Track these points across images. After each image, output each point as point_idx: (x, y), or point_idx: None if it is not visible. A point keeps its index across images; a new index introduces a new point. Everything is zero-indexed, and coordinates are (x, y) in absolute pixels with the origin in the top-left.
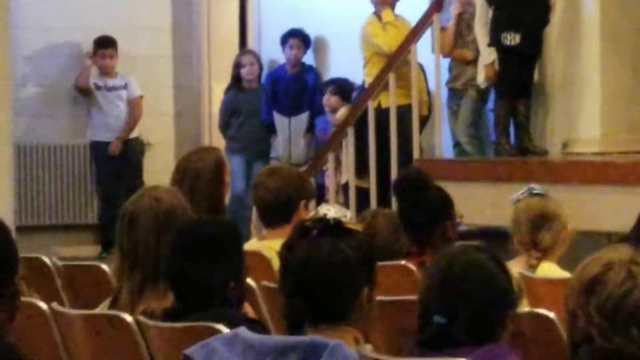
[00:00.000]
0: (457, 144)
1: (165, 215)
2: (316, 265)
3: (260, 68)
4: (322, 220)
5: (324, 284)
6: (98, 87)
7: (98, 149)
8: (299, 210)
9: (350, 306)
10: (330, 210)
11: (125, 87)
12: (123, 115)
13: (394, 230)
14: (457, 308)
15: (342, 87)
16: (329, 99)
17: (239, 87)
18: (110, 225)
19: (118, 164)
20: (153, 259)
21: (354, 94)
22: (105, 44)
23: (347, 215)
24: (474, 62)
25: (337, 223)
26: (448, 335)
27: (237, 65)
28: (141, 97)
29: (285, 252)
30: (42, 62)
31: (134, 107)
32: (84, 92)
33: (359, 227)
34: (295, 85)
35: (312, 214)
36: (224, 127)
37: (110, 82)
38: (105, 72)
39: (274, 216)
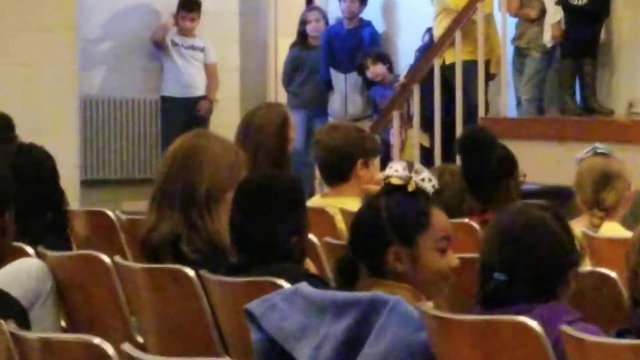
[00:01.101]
0: (520, 103)
1: (184, 150)
2: (353, 219)
3: (327, 25)
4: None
5: (352, 236)
6: (175, 44)
7: (168, 104)
8: (357, 169)
9: (377, 261)
10: (392, 168)
11: (202, 50)
12: (196, 74)
13: (460, 188)
14: (518, 265)
15: (379, 54)
16: (374, 71)
17: (304, 44)
18: None
19: (186, 120)
20: (160, 184)
21: (418, 53)
22: (189, 7)
23: (418, 172)
24: (537, 20)
25: (387, 182)
26: (508, 292)
27: (303, 22)
28: (216, 64)
29: None
30: (114, 17)
31: (214, 74)
32: (159, 47)
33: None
34: (351, 41)
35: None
36: (287, 82)
37: (189, 41)
38: (185, 33)
39: (331, 174)
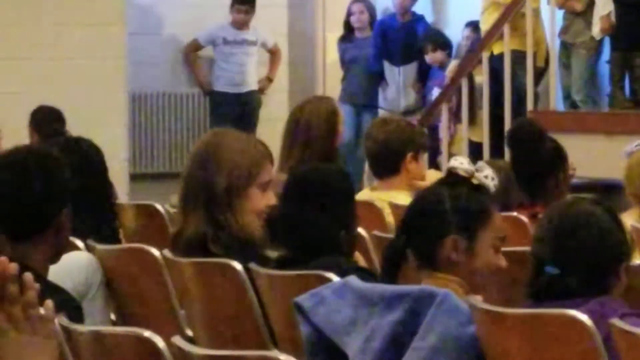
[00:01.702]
0: (567, 96)
1: (202, 150)
2: (410, 206)
3: (372, 17)
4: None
5: (409, 222)
6: (226, 42)
7: (218, 98)
8: (406, 162)
9: (431, 249)
10: (457, 160)
11: (254, 43)
12: (247, 70)
13: (504, 183)
14: (569, 259)
15: (440, 41)
16: (433, 57)
17: (349, 36)
18: None
19: (236, 115)
20: (184, 185)
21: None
22: (243, 0)
23: (481, 170)
24: (583, 13)
25: (451, 173)
26: (560, 286)
27: (349, 13)
28: (276, 44)
29: None
30: (163, 11)
31: (277, 52)
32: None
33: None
34: (405, 35)
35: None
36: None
37: (242, 34)
38: (238, 26)
39: (381, 167)
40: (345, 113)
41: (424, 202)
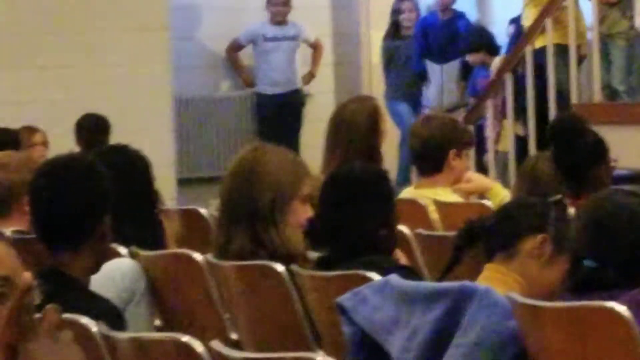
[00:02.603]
0: (604, 87)
1: (243, 166)
2: (516, 199)
3: (419, 15)
4: None
5: (509, 208)
6: (266, 39)
7: (262, 100)
8: (449, 159)
9: (519, 240)
10: None
11: (293, 38)
12: (289, 68)
13: (556, 175)
14: (606, 252)
15: (476, 43)
16: (474, 59)
17: (397, 34)
18: None
19: (280, 116)
20: (225, 202)
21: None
22: None
23: None
24: (618, 4)
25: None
26: (598, 279)
27: (396, 12)
28: (317, 38)
29: None
30: (205, 15)
31: (319, 46)
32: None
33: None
34: (446, 32)
35: None
36: (385, 73)
37: (282, 31)
38: (276, 20)
39: (424, 165)
40: (403, 110)
41: (533, 199)
